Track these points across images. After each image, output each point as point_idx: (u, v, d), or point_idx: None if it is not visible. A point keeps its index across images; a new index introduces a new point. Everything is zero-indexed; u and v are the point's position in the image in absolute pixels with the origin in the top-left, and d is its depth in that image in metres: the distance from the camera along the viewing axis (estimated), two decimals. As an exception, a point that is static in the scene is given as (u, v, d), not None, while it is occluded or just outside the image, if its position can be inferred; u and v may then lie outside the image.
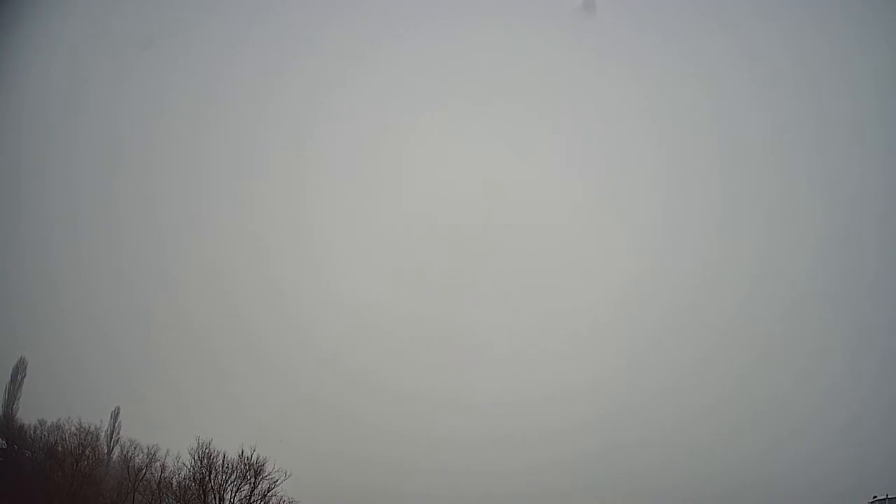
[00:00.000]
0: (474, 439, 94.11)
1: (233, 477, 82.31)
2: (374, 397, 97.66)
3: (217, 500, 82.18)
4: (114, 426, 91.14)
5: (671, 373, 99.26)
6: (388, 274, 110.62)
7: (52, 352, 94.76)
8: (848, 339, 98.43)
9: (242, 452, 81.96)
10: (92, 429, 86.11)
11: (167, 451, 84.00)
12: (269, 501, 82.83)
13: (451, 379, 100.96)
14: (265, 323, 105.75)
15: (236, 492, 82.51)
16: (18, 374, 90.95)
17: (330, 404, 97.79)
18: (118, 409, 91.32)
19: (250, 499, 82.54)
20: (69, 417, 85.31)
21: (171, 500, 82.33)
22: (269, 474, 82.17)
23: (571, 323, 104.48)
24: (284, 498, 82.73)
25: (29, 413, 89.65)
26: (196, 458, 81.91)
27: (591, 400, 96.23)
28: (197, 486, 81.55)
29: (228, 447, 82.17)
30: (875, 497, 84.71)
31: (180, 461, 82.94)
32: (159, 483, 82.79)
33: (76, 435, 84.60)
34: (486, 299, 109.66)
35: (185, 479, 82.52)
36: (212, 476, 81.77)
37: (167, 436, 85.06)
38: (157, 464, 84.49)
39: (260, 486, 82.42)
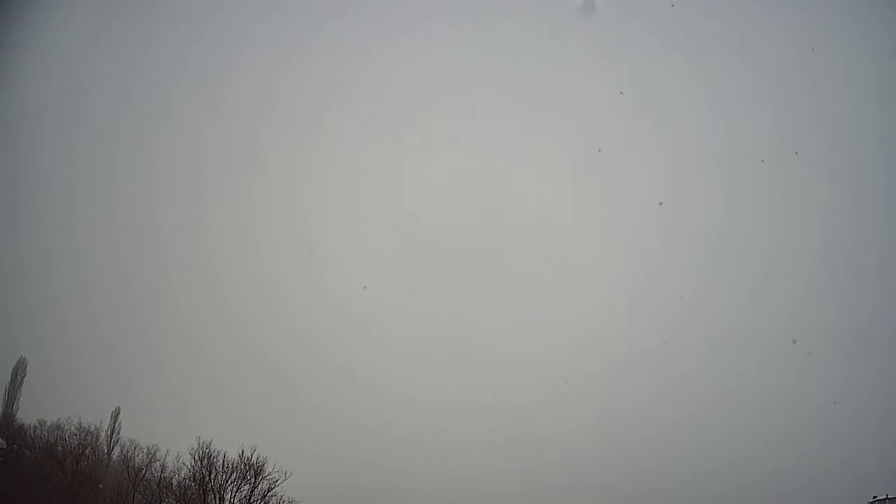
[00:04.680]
0: (475, 440, 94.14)
1: (233, 477, 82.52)
2: (375, 399, 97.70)
3: (217, 499, 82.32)
4: (114, 426, 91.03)
5: (673, 374, 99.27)
6: (390, 275, 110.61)
7: (52, 352, 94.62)
8: (849, 338, 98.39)
9: (242, 452, 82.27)
10: (92, 429, 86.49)
11: (167, 451, 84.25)
12: (269, 501, 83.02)
13: (452, 380, 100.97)
14: (266, 324, 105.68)
15: (236, 492, 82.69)
16: (18, 374, 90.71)
17: (331, 405, 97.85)
18: (118, 409, 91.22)
19: (250, 499, 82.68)
20: (69, 417, 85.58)
21: (171, 500, 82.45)
22: (269, 474, 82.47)
23: (574, 324, 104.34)
24: (284, 498, 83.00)
25: (29, 413, 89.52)
26: (196, 458, 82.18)
27: (593, 401, 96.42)
28: (197, 486, 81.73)
29: (228, 447, 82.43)
30: (875, 497, 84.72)
31: (180, 461, 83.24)
32: (159, 483, 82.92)
33: (76, 435, 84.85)
34: (488, 301, 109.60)
35: (185, 479, 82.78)
36: (212, 476, 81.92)
37: (167, 436, 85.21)
38: (157, 464, 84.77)
39: (260, 486, 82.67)
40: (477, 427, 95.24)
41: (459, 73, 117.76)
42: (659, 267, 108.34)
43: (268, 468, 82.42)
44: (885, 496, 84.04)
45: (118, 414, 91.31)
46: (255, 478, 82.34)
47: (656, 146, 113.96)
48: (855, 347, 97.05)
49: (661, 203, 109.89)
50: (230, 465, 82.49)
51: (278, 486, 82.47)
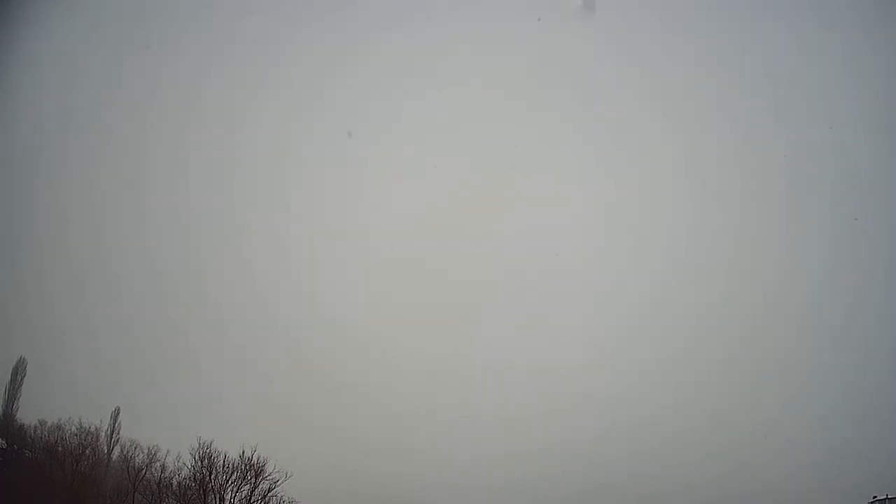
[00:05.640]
0: (476, 450, 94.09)
1: (233, 477, 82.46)
2: (377, 404, 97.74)
3: (217, 500, 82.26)
4: (114, 426, 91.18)
5: (677, 379, 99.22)
6: (392, 279, 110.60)
7: (52, 352, 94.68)
8: (850, 339, 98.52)
9: (243, 453, 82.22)
10: (92, 429, 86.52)
11: (167, 452, 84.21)
12: (269, 502, 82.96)
13: (456, 388, 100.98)
14: (269, 327, 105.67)
15: (237, 492, 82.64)
16: (18, 374, 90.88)
17: (332, 407, 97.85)
18: (118, 409, 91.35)
19: (250, 499, 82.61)
20: (69, 417, 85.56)
21: (171, 501, 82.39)
22: (269, 475, 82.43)
23: (582, 332, 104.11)
24: (285, 498, 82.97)
25: (29, 413, 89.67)
26: (196, 458, 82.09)
27: (603, 410, 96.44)
28: (197, 487, 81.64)
29: (229, 447, 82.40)
30: (875, 497, 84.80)
31: (180, 461, 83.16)
32: (159, 483, 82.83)
33: (76, 435, 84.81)
34: (492, 306, 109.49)
35: (185, 479, 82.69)
36: (212, 476, 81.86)
37: (167, 436, 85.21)
38: (158, 464, 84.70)
39: (260, 486, 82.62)
40: (478, 436, 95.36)
41: (458, 74, 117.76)
42: (667, 276, 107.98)
43: (268, 468, 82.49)
44: (885, 496, 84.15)
45: (118, 414, 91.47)
46: (256, 478, 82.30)
47: (660, 146, 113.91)
48: (856, 348, 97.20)
49: (669, 206, 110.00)
50: (230, 466, 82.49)
51: (279, 486, 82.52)
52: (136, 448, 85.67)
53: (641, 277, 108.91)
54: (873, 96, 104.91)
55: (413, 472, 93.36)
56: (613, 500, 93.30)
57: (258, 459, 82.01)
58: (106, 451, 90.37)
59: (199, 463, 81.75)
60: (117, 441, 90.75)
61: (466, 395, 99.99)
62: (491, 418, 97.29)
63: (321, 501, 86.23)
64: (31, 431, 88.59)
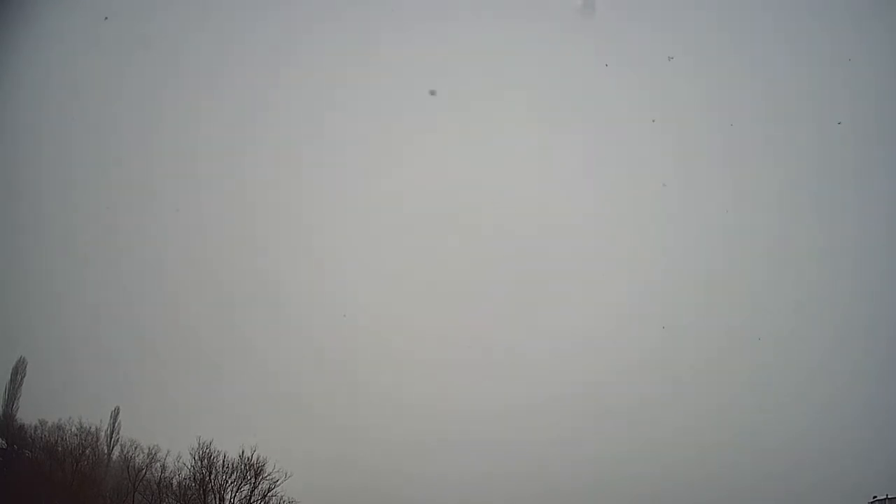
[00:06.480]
0: (476, 443, 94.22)
1: (233, 477, 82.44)
2: (376, 401, 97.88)
3: (217, 500, 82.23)
4: (114, 426, 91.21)
5: (678, 379, 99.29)
6: (392, 278, 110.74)
7: (52, 352, 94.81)
8: (849, 339, 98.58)
9: (243, 453, 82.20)
10: (92, 429, 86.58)
11: (167, 452, 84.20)
12: (269, 501, 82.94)
13: (454, 383, 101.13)
14: (267, 325, 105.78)
15: (236, 492, 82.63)
16: (18, 374, 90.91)
17: (331, 406, 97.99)
18: (118, 409, 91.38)
19: (250, 499, 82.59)
20: (69, 417, 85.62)
21: (171, 501, 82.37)
22: (269, 474, 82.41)
23: (576, 327, 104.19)
24: (285, 498, 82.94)
25: (29, 413, 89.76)
26: (196, 458, 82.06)
27: (596, 404, 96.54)
28: (197, 487, 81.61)
29: (229, 447, 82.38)
30: (875, 497, 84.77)
31: (180, 461, 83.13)
32: (159, 483, 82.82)
33: (76, 435, 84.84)
34: (490, 304, 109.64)
35: (185, 479, 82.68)
36: (212, 476, 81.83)
37: (167, 436, 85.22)
38: (158, 464, 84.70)
39: (260, 486, 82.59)
40: (479, 429, 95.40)
41: (458, 75, 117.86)
42: (665, 270, 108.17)
43: (268, 468, 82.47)
44: (885, 496, 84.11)
45: (117, 414, 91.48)
46: (256, 478, 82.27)
47: (660, 148, 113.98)
48: (856, 349, 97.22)
49: (664, 185, 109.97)
50: (230, 466, 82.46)
51: (278, 486, 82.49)
52: (136, 448, 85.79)
53: (642, 277, 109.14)
54: (873, 97, 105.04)
55: (412, 470, 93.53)
56: (613, 500, 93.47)
57: (258, 459, 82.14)
58: (106, 451, 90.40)
59: (199, 463, 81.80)
60: (117, 441, 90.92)
61: (467, 394, 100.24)
62: (492, 417, 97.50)
63: (321, 500, 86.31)
64: (31, 431, 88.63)
